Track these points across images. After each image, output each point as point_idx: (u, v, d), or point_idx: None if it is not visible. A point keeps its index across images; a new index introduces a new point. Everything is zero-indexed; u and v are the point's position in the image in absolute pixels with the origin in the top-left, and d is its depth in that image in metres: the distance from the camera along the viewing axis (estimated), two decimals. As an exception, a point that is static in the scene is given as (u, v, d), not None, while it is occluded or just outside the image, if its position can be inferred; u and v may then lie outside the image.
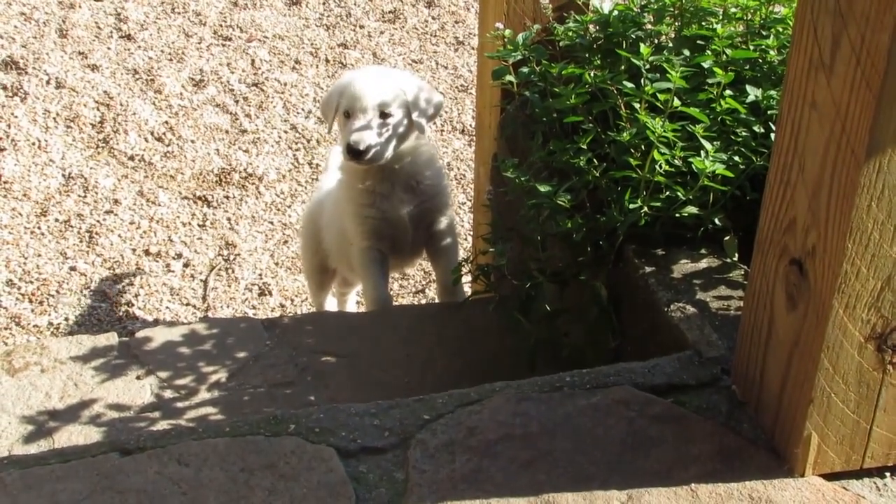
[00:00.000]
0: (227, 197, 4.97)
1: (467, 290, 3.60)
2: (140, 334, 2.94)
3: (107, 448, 1.86)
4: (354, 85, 3.23)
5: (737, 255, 2.43)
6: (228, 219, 4.83)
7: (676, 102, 2.43)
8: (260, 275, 4.55)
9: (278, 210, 4.94)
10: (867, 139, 1.53)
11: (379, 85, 3.23)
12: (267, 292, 4.46)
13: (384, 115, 3.20)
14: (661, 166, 2.41)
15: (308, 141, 5.42)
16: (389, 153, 3.22)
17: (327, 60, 6.10)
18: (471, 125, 5.46)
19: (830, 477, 1.84)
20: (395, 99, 3.22)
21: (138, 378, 2.75)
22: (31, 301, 4.25)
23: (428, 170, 3.43)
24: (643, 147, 2.47)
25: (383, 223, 3.41)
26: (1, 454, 2.42)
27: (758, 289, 1.88)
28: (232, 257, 4.61)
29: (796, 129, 1.70)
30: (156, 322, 4.18)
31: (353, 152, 3.16)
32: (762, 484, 1.81)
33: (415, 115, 3.24)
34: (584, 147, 2.53)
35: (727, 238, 2.45)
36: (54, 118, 5.38)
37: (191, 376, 2.76)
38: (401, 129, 3.26)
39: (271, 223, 4.85)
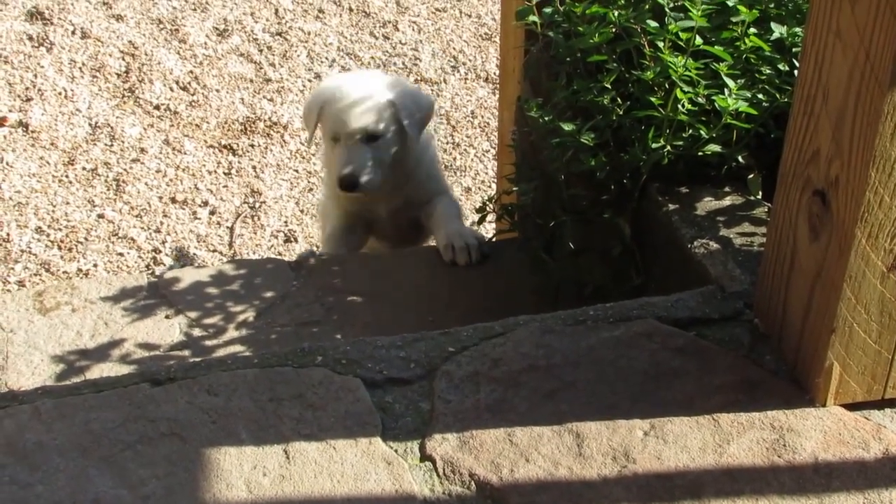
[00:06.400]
0: (253, 145, 4.99)
1: (491, 230, 3.62)
2: (168, 275, 2.98)
3: (138, 379, 1.90)
4: (336, 106, 3.06)
5: (760, 192, 2.43)
6: (254, 167, 4.87)
7: (698, 41, 2.42)
8: (286, 222, 4.59)
9: (303, 158, 4.96)
10: (891, 66, 1.53)
11: (364, 106, 3.05)
12: (293, 239, 4.50)
13: (373, 137, 3.06)
14: (683, 105, 2.41)
15: (332, 90, 5.43)
16: (385, 175, 3.10)
17: (351, 9, 6.09)
18: (495, 73, 5.45)
19: (852, 407, 1.85)
20: (381, 118, 3.06)
21: (167, 317, 2.79)
22: (60, 248, 4.30)
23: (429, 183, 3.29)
24: (666, 86, 2.46)
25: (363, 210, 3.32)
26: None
27: (780, 221, 1.89)
28: (258, 205, 4.65)
29: (820, 58, 1.70)
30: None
31: (346, 186, 3.05)
32: (784, 413, 1.83)
33: (406, 124, 3.08)
34: (608, 86, 2.52)
35: (751, 176, 2.45)
36: (80, 68, 5.41)
37: (219, 315, 2.80)
38: (394, 150, 3.12)
39: (296, 171, 4.88)
